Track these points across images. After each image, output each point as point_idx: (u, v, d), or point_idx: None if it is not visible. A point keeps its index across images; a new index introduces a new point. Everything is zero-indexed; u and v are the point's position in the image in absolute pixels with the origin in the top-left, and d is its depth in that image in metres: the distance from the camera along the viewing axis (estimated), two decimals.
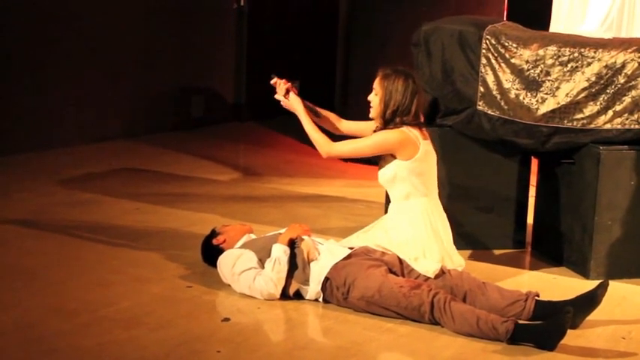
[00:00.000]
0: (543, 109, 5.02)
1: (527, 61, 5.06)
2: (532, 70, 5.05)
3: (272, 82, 4.82)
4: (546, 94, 5.02)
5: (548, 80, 5.02)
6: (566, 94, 4.99)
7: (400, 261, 4.44)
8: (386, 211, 4.85)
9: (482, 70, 5.16)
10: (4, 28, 7.39)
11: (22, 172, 7.00)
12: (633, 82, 4.93)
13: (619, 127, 4.95)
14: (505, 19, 7.41)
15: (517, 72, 5.08)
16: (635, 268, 5.00)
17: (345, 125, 4.96)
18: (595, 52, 4.97)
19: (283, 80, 4.81)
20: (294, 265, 4.41)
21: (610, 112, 4.96)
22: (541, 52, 5.04)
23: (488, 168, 5.34)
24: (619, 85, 4.94)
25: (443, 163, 4.91)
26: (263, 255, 4.45)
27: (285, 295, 4.41)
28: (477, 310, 4.08)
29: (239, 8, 9.71)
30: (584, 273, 4.98)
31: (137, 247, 5.21)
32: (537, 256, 5.36)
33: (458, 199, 5.23)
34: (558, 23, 7.43)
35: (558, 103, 5.00)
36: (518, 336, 3.96)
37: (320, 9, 10.40)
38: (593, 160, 4.92)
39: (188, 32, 9.18)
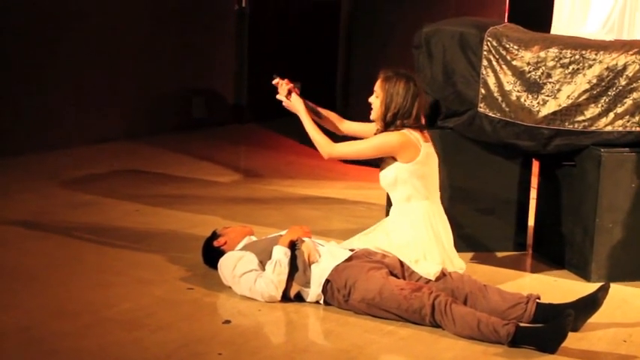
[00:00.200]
0: (544, 112, 5.02)
1: (528, 63, 5.05)
2: (533, 72, 5.05)
3: (274, 82, 4.82)
4: (547, 96, 5.02)
5: (550, 82, 5.02)
6: (568, 96, 4.99)
7: (401, 263, 4.44)
8: (387, 214, 4.85)
9: (484, 72, 5.16)
10: (4, 28, 7.39)
11: (23, 173, 7.00)
12: (634, 85, 4.93)
13: (620, 129, 4.95)
14: (506, 20, 7.42)
15: (518, 74, 5.08)
16: (636, 271, 5.00)
17: (347, 126, 4.96)
18: (596, 54, 4.96)
19: (285, 81, 4.81)
20: (294, 267, 4.41)
21: (611, 115, 4.95)
22: (542, 54, 5.03)
23: (489, 170, 5.34)
24: (620, 88, 4.94)
25: (444, 165, 4.91)
26: (264, 257, 4.45)
27: (285, 298, 4.41)
28: (477, 313, 4.08)
29: (240, 9, 9.70)
30: (585, 275, 4.98)
31: (138, 249, 5.21)
32: (538, 258, 5.36)
33: (459, 201, 5.23)
34: (560, 25, 7.43)
35: (559, 105, 5.00)
36: (519, 339, 3.96)
37: (321, 10, 10.40)
38: (594, 163, 4.92)
39: (189, 33, 9.17)
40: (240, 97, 9.88)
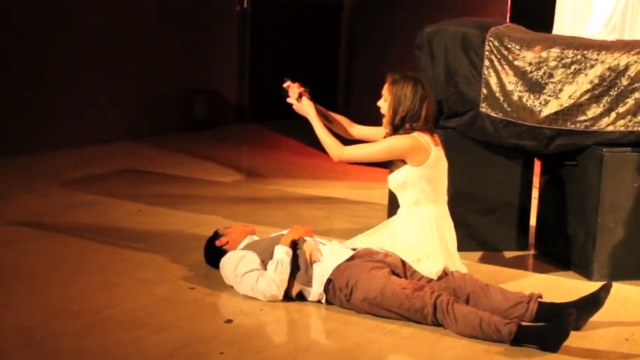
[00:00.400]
0: (546, 111, 5.02)
1: (530, 63, 5.05)
2: (535, 72, 5.04)
3: (285, 85, 4.82)
4: (549, 96, 5.02)
5: (552, 82, 5.02)
6: (569, 96, 4.99)
7: (403, 263, 4.44)
8: (389, 213, 4.85)
9: (485, 72, 5.16)
10: (4, 28, 7.40)
11: (24, 173, 7.00)
12: (636, 84, 4.93)
13: (622, 129, 4.95)
14: (508, 21, 7.42)
15: (520, 74, 5.07)
16: (638, 270, 5.00)
17: (358, 130, 4.96)
18: (598, 54, 4.96)
19: (296, 84, 4.81)
20: (296, 266, 4.40)
21: (613, 114, 4.95)
22: (544, 54, 5.03)
23: (491, 170, 5.34)
24: (622, 87, 4.94)
25: None
26: (266, 256, 4.45)
27: (287, 297, 4.41)
28: (479, 312, 4.07)
29: (242, 10, 9.72)
30: (587, 275, 4.98)
31: (140, 249, 5.21)
32: (540, 257, 5.36)
33: (461, 201, 5.22)
34: (561, 25, 7.43)
35: (561, 105, 5.00)
36: (521, 338, 3.95)
37: (323, 10, 10.40)
38: (596, 162, 4.92)
39: (191, 34, 9.18)
40: (241, 98, 9.89)
